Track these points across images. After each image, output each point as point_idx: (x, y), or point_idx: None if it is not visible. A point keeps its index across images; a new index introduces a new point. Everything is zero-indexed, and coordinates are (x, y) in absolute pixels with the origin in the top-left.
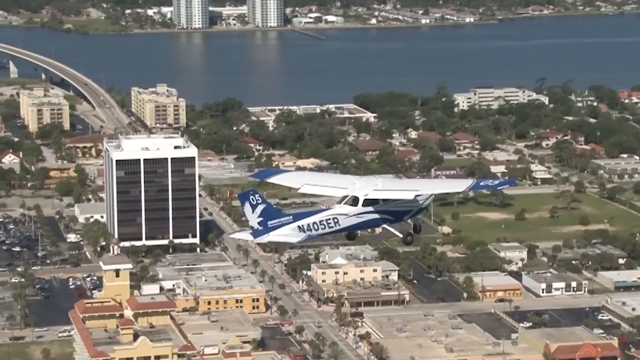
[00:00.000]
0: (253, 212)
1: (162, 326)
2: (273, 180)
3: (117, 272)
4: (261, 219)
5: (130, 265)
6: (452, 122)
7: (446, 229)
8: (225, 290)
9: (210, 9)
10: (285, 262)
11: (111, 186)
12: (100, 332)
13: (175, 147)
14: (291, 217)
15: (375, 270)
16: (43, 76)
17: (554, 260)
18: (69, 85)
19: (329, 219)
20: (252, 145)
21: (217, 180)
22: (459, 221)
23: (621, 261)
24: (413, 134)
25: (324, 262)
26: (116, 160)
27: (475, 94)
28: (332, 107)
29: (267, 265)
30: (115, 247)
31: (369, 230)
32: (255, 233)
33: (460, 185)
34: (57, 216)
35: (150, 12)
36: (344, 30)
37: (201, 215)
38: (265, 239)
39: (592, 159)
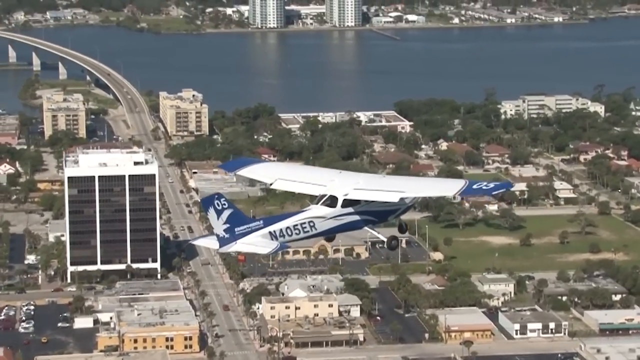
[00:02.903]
0: (218, 219)
1: None
2: (243, 172)
3: None
4: (227, 225)
5: None
6: (489, 132)
7: (438, 256)
8: (155, 327)
9: (288, 7)
10: (247, 290)
11: (65, 205)
12: None
13: (136, 164)
14: (261, 222)
15: (331, 306)
16: (88, 78)
17: (540, 296)
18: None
19: (304, 223)
20: (266, 156)
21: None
22: (456, 246)
23: (617, 298)
24: (444, 145)
25: (283, 293)
26: (68, 177)
27: (524, 101)
28: (369, 114)
29: (226, 294)
30: None
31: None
32: (222, 241)
33: (450, 189)
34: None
35: (229, 10)
36: (424, 30)
37: (176, 236)
38: (231, 247)
39: (626, 176)
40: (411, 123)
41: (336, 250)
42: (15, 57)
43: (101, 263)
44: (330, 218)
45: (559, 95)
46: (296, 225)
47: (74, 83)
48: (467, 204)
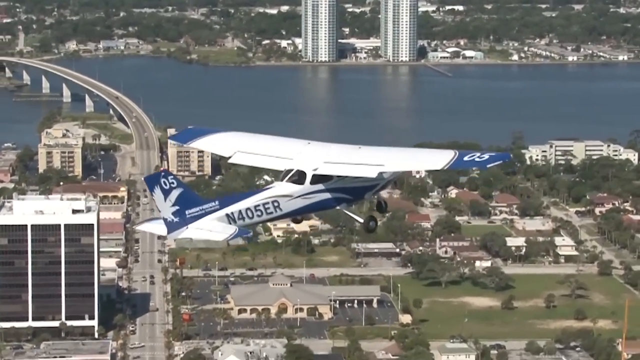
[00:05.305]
0: (166, 200)
1: None
2: (197, 144)
3: None
4: (177, 207)
5: None
6: (503, 180)
7: (406, 319)
8: None
9: (343, 41)
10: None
11: None
12: None
13: (74, 212)
14: (217, 202)
15: None
16: (111, 111)
17: None
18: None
19: (267, 203)
20: None
21: (191, 242)
22: (433, 307)
23: None
24: (453, 193)
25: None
26: None
27: (551, 146)
28: None
29: (162, 358)
30: None
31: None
32: (170, 226)
33: (438, 161)
34: None
35: (284, 43)
36: (481, 66)
37: (130, 290)
38: (181, 233)
39: (638, 233)
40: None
41: (298, 310)
42: (49, 88)
43: (33, 319)
44: (298, 197)
45: (589, 141)
46: (258, 205)
47: (97, 116)
48: (458, 259)
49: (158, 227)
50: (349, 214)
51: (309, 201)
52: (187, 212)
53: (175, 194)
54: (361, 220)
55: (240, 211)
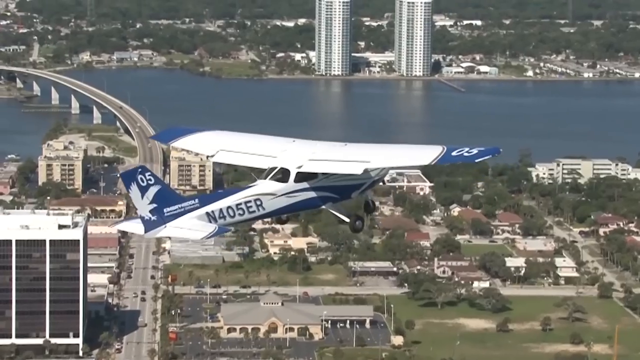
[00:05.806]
0: (143, 197)
1: None
2: (179, 144)
3: None
4: (155, 205)
5: None
6: (507, 198)
7: (398, 340)
8: None
9: (358, 54)
10: None
11: None
12: None
13: (60, 227)
14: (197, 200)
15: None
16: (117, 124)
17: None
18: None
19: (249, 202)
20: None
21: (185, 258)
22: (427, 329)
23: None
24: (455, 211)
25: None
26: None
27: (558, 164)
28: (393, 172)
29: None
30: None
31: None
32: (148, 225)
33: (425, 157)
34: None
35: (298, 56)
36: (495, 82)
37: (119, 306)
38: (159, 232)
39: None
40: (432, 184)
41: (288, 330)
42: (58, 100)
43: (16, 337)
44: (282, 195)
45: (597, 160)
46: (239, 204)
47: (103, 128)
48: (456, 279)
49: (136, 226)
50: (334, 213)
51: (293, 200)
52: (165, 211)
53: (152, 191)
54: (347, 220)
55: (221, 210)
